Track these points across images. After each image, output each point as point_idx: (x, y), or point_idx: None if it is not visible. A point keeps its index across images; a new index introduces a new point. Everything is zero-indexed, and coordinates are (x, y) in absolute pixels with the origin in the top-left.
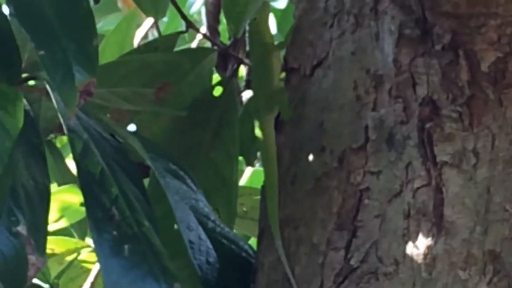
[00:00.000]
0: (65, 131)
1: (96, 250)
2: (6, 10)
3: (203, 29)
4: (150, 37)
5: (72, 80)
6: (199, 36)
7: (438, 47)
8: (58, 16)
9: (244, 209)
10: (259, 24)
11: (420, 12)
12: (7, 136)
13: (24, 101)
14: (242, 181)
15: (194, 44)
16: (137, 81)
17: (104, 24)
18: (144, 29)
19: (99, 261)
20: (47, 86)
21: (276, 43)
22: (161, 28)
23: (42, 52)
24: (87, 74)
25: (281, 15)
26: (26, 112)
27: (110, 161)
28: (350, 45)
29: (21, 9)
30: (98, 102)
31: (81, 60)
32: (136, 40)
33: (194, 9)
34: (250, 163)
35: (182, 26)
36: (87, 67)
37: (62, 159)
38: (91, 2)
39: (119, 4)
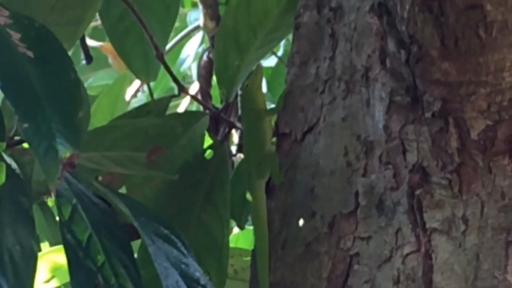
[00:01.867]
0: (53, 196)
1: None
2: None
3: (195, 86)
4: (140, 94)
5: (55, 153)
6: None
7: (428, 115)
8: (44, 87)
9: (235, 269)
10: (251, 91)
11: (410, 79)
12: None
13: (15, 164)
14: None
15: (185, 100)
16: (129, 145)
17: (95, 79)
18: (135, 86)
19: None
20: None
21: (267, 103)
22: (151, 83)
23: (26, 125)
24: (70, 147)
25: (271, 73)
26: (15, 175)
27: (98, 226)
28: (341, 111)
29: (7, 81)
30: (91, 166)
31: (65, 132)
32: (127, 96)
33: (185, 65)
34: (240, 226)
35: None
36: (71, 139)
37: (53, 219)
38: (83, 62)
39: (110, 60)
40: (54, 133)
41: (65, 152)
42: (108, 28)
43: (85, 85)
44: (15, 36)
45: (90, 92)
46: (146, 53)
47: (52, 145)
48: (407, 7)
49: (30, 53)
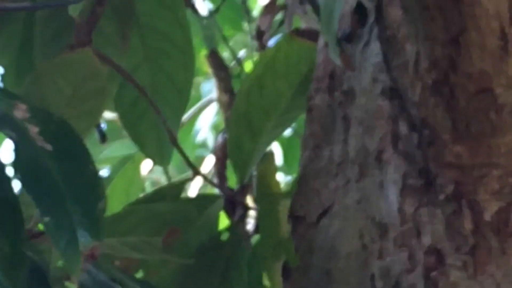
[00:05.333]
0: (75, 285)
1: None
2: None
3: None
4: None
5: (76, 246)
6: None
7: (441, 197)
8: (64, 180)
9: None
10: (265, 176)
11: (423, 162)
12: None
13: (34, 255)
14: None
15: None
16: (145, 230)
17: (109, 151)
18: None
19: None
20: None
21: (282, 175)
22: None
23: (47, 219)
24: (91, 239)
25: (286, 143)
26: (35, 265)
27: None
28: (355, 194)
29: (28, 176)
30: (107, 252)
31: (86, 224)
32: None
33: (200, 137)
34: None
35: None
36: (92, 231)
37: None
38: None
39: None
40: (75, 226)
41: (86, 244)
42: (122, 114)
43: (100, 156)
44: (34, 129)
45: (104, 164)
46: (159, 138)
47: (73, 238)
48: (418, 91)
49: (49, 147)
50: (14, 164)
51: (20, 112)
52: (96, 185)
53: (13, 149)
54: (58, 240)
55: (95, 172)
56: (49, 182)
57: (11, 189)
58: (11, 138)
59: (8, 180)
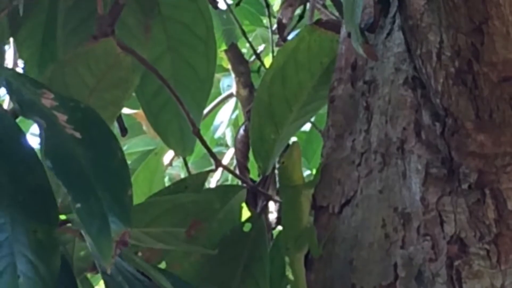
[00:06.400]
0: (101, 274)
1: None
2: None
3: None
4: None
5: (108, 233)
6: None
7: (464, 186)
8: (93, 168)
9: None
10: (288, 167)
11: (446, 151)
12: (44, 286)
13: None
14: None
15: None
16: (168, 221)
17: (129, 147)
18: (171, 155)
19: None
20: (81, 230)
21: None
22: None
23: (78, 205)
24: (122, 225)
25: (305, 138)
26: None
27: None
28: (378, 184)
29: (58, 163)
30: (131, 243)
31: (116, 211)
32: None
33: (219, 132)
34: None
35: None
36: (123, 217)
37: None
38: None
39: (144, 127)
40: (106, 212)
41: (117, 230)
42: (144, 105)
43: None
44: (62, 117)
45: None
46: (182, 129)
47: (105, 225)
48: (441, 80)
49: (77, 134)
50: (44, 151)
51: (48, 100)
52: (125, 173)
53: (42, 137)
54: (89, 226)
55: (124, 159)
56: (78, 169)
57: (45, 175)
58: (40, 125)
59: (41, 167)
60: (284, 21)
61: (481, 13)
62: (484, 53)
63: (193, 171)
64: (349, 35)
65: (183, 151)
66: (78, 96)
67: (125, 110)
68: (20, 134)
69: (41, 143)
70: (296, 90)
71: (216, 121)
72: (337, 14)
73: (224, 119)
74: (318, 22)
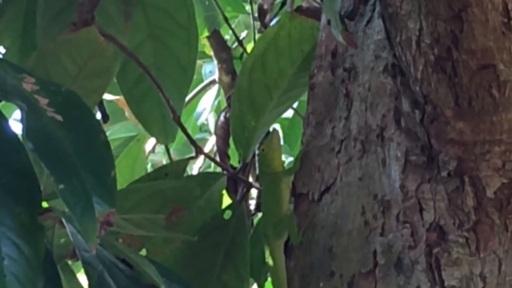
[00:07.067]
0: (81, 263)
1: None
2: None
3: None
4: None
5: (93, 213)
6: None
7: (444, 174)
8: (76, 150)
9: None
10: (268, 154)
11: (425, 139)
12: (29, 267)
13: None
14: None
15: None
16: (149, 207)
17: (112, 133)
18: (153, 142)
19: None
20: (61, 217)
21: (284, 156)
22: None
23: (61, 186)
24: (106, 205)
25: (287, 125)
26: None
27: None
28: (358, 171)
29: (40, 145)
30: (111, 229)
31: (100, 191)
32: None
33: (202, 118)
34: (260, 285)
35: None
36: (106, 198)
37: (74, 277)
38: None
39: (126, 114)
40: (90, 193)
41: (102, 211)
42: (126, 92)
43: None
44: (43, 101)
45: None
46: (163, 116)
47: (89, 205)
48: (421, 68)
49: (59, 117)
50: (26, 134)
51: (29, 85)
52: (107, 154)
53: (23, 120)
54: (74, 207)
55: (106, 141)
56: (61, 151)
57: (28, 159)
58: (21, 109)
59: (24, 150)
60: (265, 7)
61: (461, 0)
62: (464, 41)
63: (175, 157)
64: (329, 22)
65: (165, 139)
66: (61, 84)
67: (107, 96)
68: (2, 119)
69: (22, 126)
70: (276, 77)
71: (199, 108)
72: (318, 0)
73: (207, 106)
74: (299, 9)
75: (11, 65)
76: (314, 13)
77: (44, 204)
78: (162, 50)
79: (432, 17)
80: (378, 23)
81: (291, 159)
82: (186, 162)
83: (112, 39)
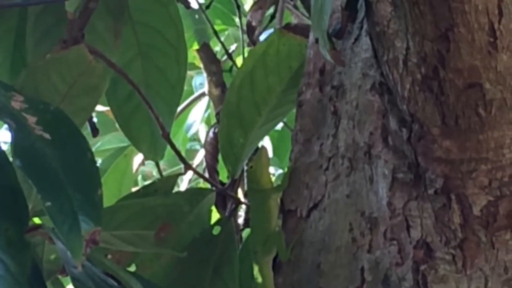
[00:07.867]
0: (71, 279)
1: None
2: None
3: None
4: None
5: (78, 231)
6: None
7: (431, 191)
8: (63, 168)
9: None
10: (256, 171)
11: (412, 157)
12: (16, 284)
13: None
14: None
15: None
16: (138, 224)
17: (102, 144)
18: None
19: None
20: (51, 233)
21: (273, 168)
22: None
23: (48, 204)
24: (92, 224)
25: (277, 137)
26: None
27: None
28: (345, 188)
29: (28, 162)
30: (100, 246)
31: (86, 209)
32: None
33: (192, 130)
34: None
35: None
36: (93, 216)
37: None
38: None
39: (117, 125)
40: (76, 211)
41: (88, 229)
42: (115, 109)
43: (93, 149)
44: (31, 119)
45: (98, 156)
46: (153, 133)
47: (75, 223)
48: (408, 86)
49: (47, 135)
50: (14, 151)
51: (18, 103)
52: (94, 172)
53: (12, 138)
54: (60, 224)
55: (93, 159)
56: (48, 169)
57: (14, 175)
58: (10, 126)
59: (11, 166)
60: (253, 23)
61: (447, 20)
62: (450, 60)
63: (166, 168)
64: (317, 41)
65: (154, 156)
66: (50, 102)
67: (98, 107)
68: None
69: (11, 144)
70: (265, 94)
71: (189, 120)
72: (307, 15)
73: (197, 118)
74: (287, 27)
75: (0, 83)
76: (302, 31)
77: (37, 220)
78: (151, 68)
79: (419, 37)
80: (365, 41)
81: (280, 171)
82: (175, 178)
83: (101, 56)
